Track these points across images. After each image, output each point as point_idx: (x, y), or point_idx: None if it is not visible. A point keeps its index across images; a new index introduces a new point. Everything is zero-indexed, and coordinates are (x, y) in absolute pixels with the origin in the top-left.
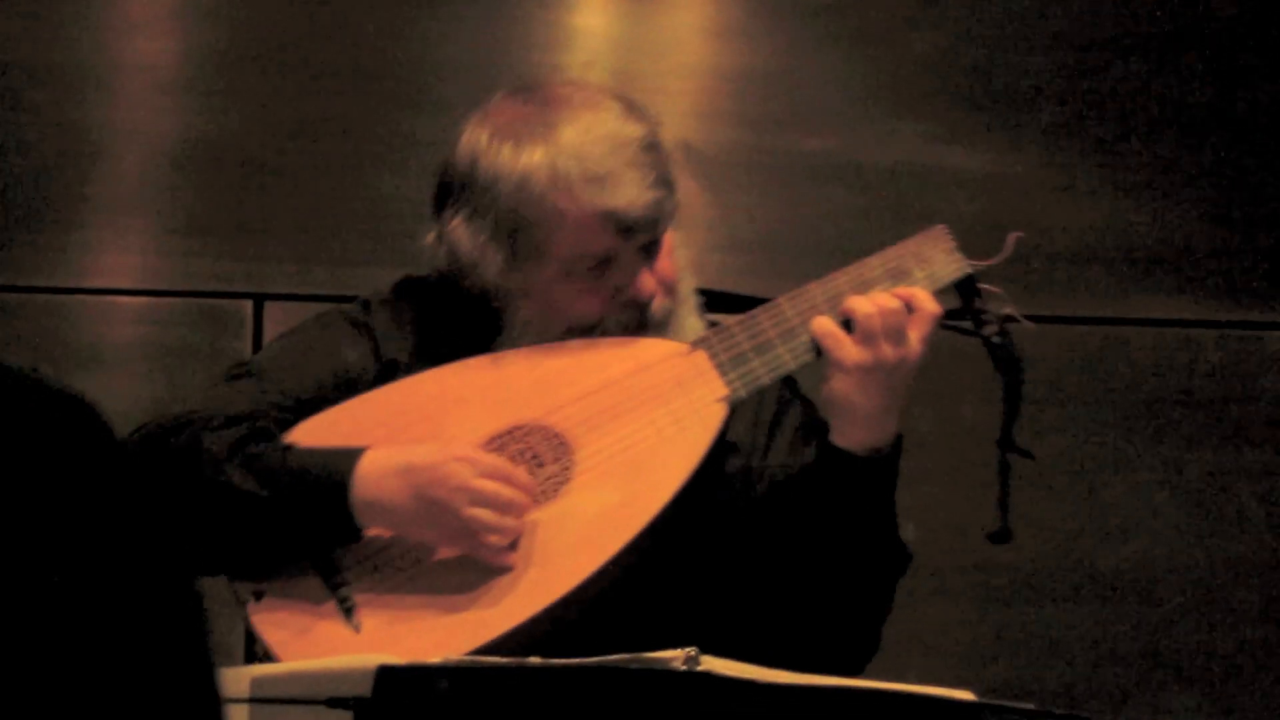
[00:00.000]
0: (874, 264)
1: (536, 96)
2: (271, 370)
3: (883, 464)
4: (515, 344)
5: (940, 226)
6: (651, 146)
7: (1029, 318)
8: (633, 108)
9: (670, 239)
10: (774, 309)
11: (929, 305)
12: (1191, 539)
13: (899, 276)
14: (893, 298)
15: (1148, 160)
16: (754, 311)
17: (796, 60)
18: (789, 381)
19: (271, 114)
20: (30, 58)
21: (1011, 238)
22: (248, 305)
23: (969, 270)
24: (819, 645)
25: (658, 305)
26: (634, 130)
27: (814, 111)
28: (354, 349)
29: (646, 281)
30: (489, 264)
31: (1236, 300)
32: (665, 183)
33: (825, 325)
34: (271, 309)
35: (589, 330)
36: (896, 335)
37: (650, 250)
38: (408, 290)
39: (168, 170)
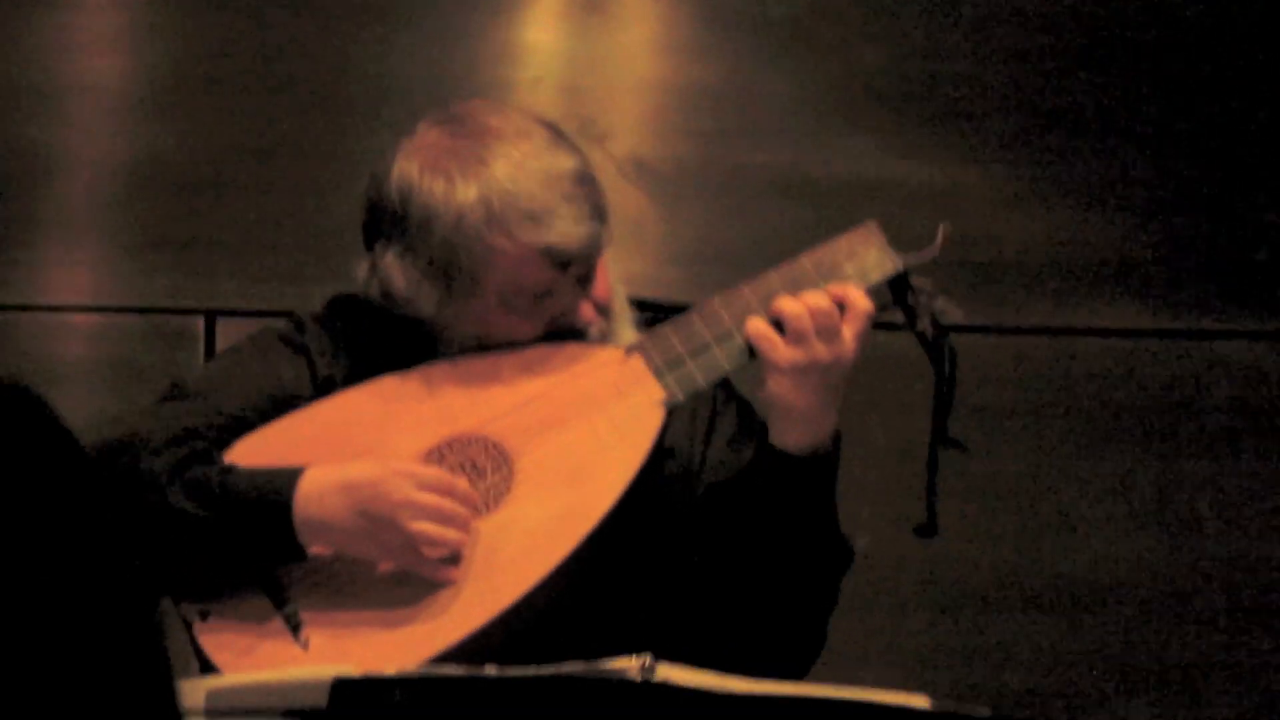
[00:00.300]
0: (805, 263)
1: (465, 128)
2: (208, 390)
3: (822, 462)
4: (459, 338)
5: (871, 222)
6: (584, 178)
7: (979, 328)
8: (561, 136)
9: (604, 260)
10: (707, 311)
11: (861, 303)
12: (1145, 547)
13: (831, 274)
14: (824, 296)
15: (1097, 171)
16: (687, 314)
17: (746, 74)
18: (724, 384)
19: (222, 132)
20: None
21: (941, 230)
22: (199, 321)
23: (900, 266)
24: (766, 644)
25: (595, 330)
26: (566, 162)
27: (764, 125)
28: (290, 368)
29: (585, 310)
30: (424, 300)
31: (1186, 310)
32: (599, 213)
33: (759, 327)
34: (224, 325)
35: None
36: (829, 334)
37: (586, 280)
38: (342, 308)
39: (119, 188)
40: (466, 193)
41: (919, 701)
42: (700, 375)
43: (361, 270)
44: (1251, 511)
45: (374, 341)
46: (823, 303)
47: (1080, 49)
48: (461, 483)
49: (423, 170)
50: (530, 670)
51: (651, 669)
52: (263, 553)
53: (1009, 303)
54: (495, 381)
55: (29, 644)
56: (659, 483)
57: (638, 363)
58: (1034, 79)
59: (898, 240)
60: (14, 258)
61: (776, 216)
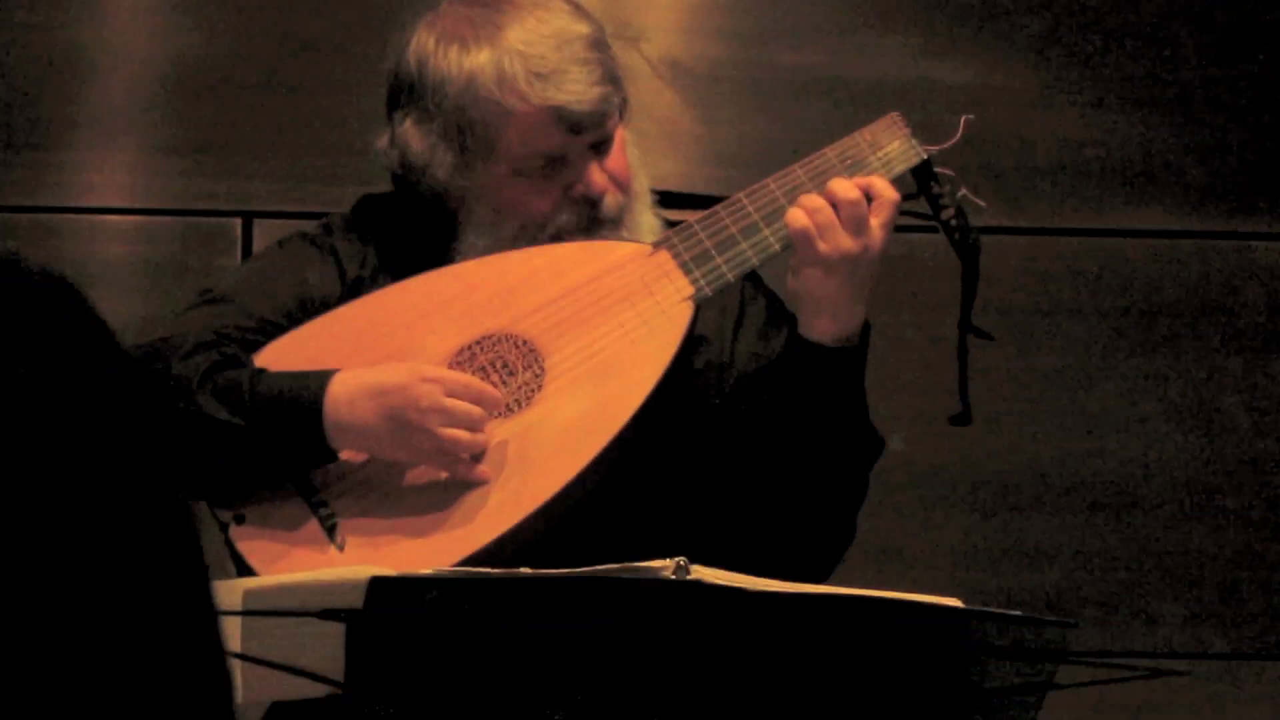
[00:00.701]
0: (830, 155)
1: (483, 1)
2: (238, 295)
3: (851, 354)
4: (471, 246)
5: (894, 114)
6: (597, 43)
7: (1013, 230)
8: (579, 8)
9: (621, 136)
10: (734, 205)
11: (887, 192)
12: (1179, 446)
13: (855, 166)
14: (851, 187)
15: (1131, 73)
16: (714, 209)
17: None
18: (752, 277)
19: (261, 32)
20: None
21: (963, 121)
22: (236, 223)
23: (924, 155)
24: (796, 535)
25: (611, 201)
26: (580, 28)
27: (798, 26)
28: (318, 270)
29: (597, 177)
30: (440, 164)
31: (1220, 210)
32: (612, 79)
33: (800, 218)
34: (261, 226)
35: (541, 228)
36: (857, 224)
37: (600, 148)
38: (367, 208)
39: (157, 89)
40: (479, 55)
41: (952, 603)
42: (727, 269)
43: (382, 141)
44: None
45: (399, 238)
46: (850, 193)
47: None
48: (489, 387)
49: (439, 39)
50: (565, 571)
51: (685, 569)
52: (294, 456)
53: (1041, 204)
54: (523, 279)
55: (65, 544)
56: (689, 374)
57: (665, 258)
58: None
59: (925, 135)
60: (50, 159)
61: (810, 117)
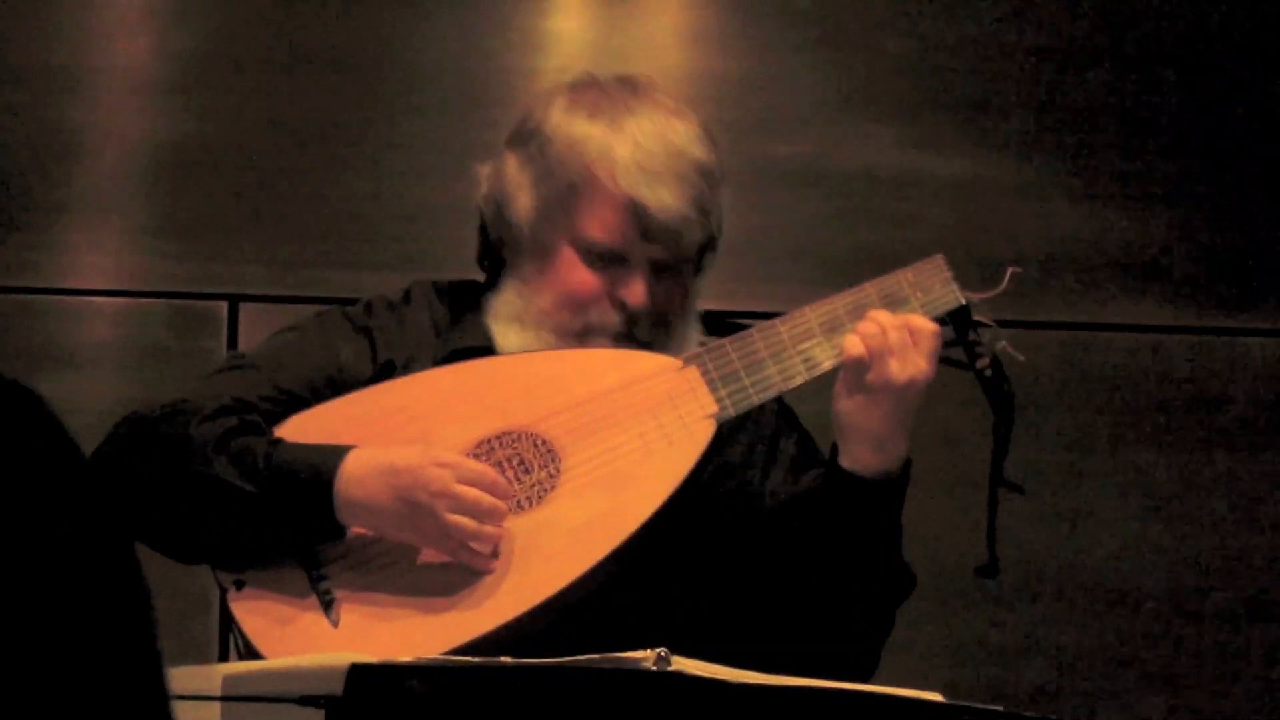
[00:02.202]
0: (870, 290)
1: (630, 85)
2: (267, 364)
3: (891, 486)
4: (508, 307)
5: (938, 257)
6: (707, 175)
7: (1000, 323)
8: (712, 141)
9: (691, 281)
10: (767, 330)
11: (929, 326)
12: (1162, 543)
13: (895, 304)
14: (898, 318)
15: (1120, 167)
16: (748, 331)
17: (769, 65)
18: (786, 413)
19: (248, 115)
20: (7, 58)
21: (1009, 272)
22: (223, 306)
23: (963, 301)
24: (819, 667)
25: (644, 328)
26: (699, 153)
27: (787, 117)
28: (351, 349)
29: (638, 290)
30: (520, 202)
31: (1208, 306)
32: (703, 210)
33: (857, 347)
34: (247, 310)
35: (575, 313)
36: (904, 354)
37: (662, 272)
38: (413, 294)
39: (145, 171)
40: (595, 126)
41: (933, 697)
42: (754, 391)
43: (484, 168)
44: (1271, 508)
45: (441, 331)
46: (898, 322)
47: (1102, 44)
48: (501, 479)
49: (572, 102)
50: (546, 661)
51: (666, 660)
52: (302, 528)
53: (1028, 297)
54: (552, 381)
55: (20, 641)
56: (714, 498)
57: (694, 374)
58: (1056, 74)
59: (931, 238)
60: (39, 240)
61: (800, 208)
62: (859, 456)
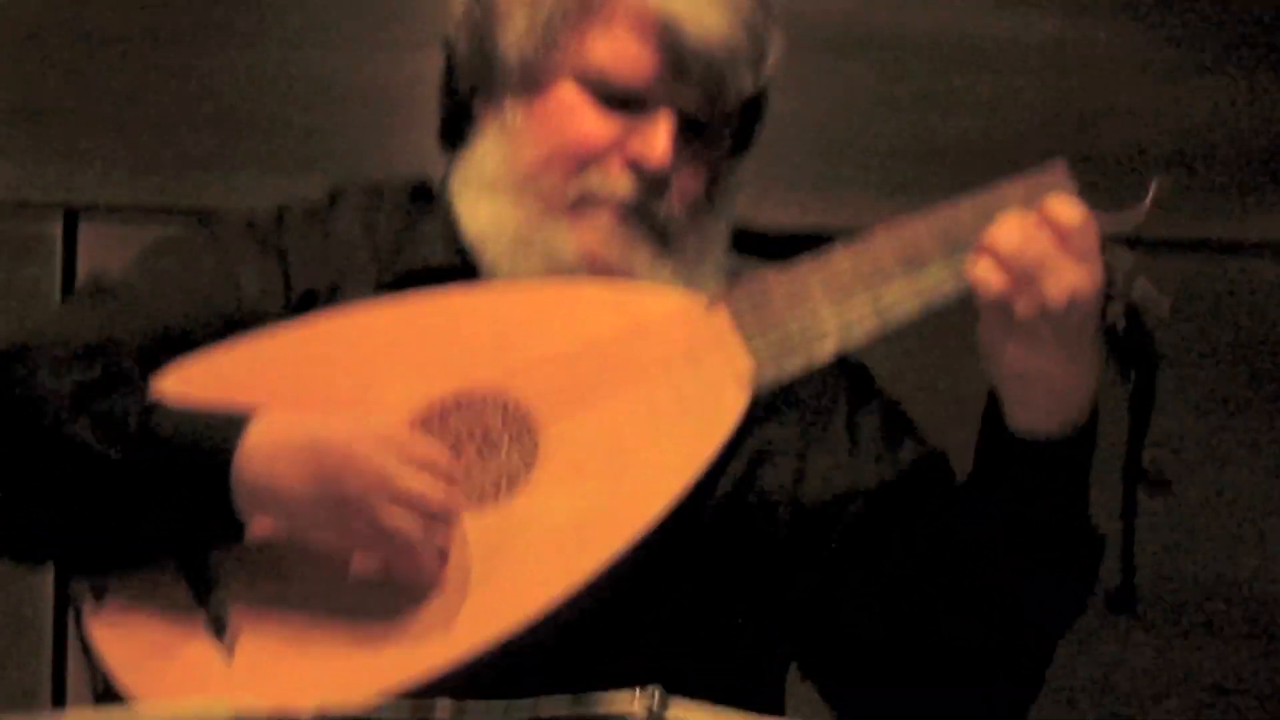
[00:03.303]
0: (964, 212)
1: None
2: (140, 292)
3: (1078, 443)
4: (480, 168)
5: (1057, 163)
6: (761, 4)
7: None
8: None
9: (728, 163)
10: (825, 262)
11: (1077, 217)
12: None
13: None
14: (1028, 215)
15: (1268, 31)
16: (797, 265)
17: None
18: (855, 373)
19: None
20: None
21: (1154, 185)
22: (56, 223)
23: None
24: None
25: (663, 204)
26: None
27: None
28: (256, 274)
29: (658, 141)
30: (511, 21)
31: None
32: (758, 49)
33: (998, 281)
34: (88, 229)
35: (572, 175)
36: (1056, 265)
37: (692, 131)
38: (344, 201)
39: None
40: None
41: None
42: (805, 346)
43: None
44: None
45: (382, 248)
46: (1032, 224)
47: None
48: (459, 463)
49: None
50: (502, 704)
51: (662, 703)
52: (187, 521)
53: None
54: (527, 321)
55: None
56: (748, 494)
57: (722, 318)
58: None
59: (1014, 127)
60: None
61: (841, 86)
62: (1032, 414)
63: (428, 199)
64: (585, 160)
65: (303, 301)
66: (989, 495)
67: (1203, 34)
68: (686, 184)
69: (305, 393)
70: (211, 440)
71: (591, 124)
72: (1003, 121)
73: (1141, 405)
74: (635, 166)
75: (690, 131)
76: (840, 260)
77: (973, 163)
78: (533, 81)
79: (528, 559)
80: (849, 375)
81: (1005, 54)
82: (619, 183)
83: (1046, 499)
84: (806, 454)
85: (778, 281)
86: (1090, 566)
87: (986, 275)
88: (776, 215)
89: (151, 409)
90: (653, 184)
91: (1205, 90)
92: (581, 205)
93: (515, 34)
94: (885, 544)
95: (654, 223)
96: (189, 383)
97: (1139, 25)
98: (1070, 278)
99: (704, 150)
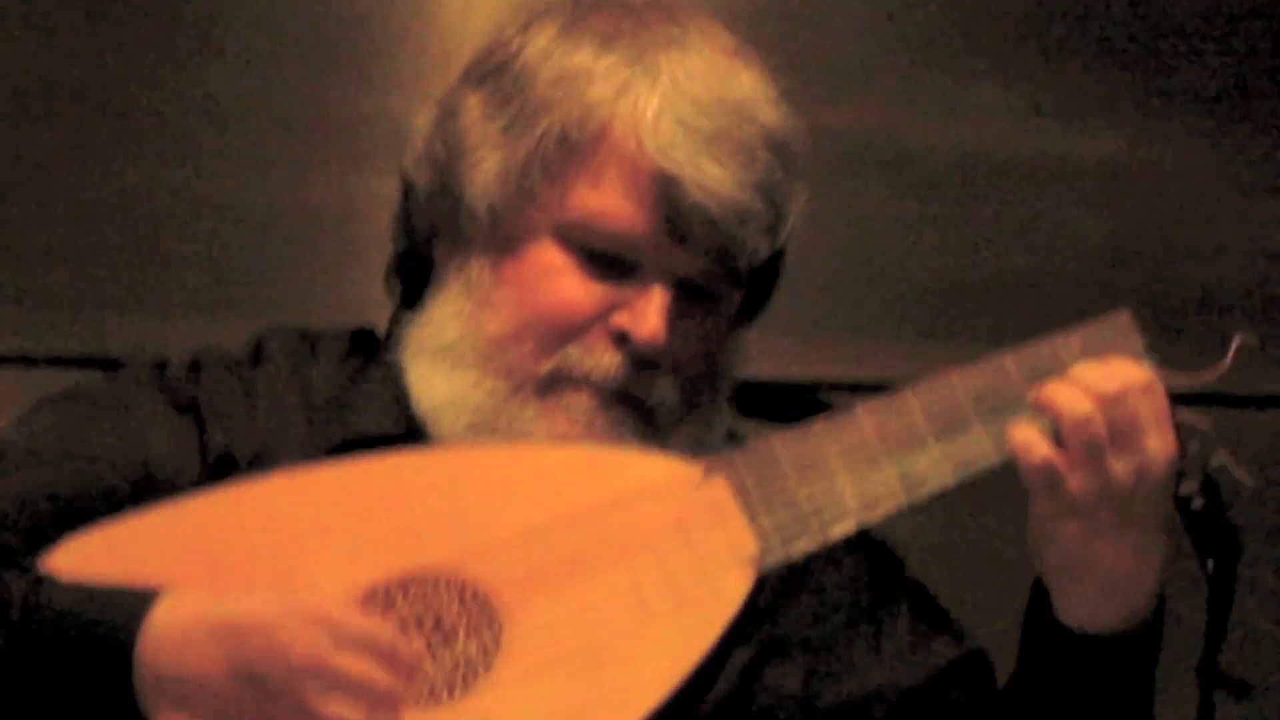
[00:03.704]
0: (1010, 367)
1: (665, 8)
2: (28, 455)
3: (1143, 638)
4: (436, 337)
5: (1122, 313)
6: (784, 151)
7: (1201, 397)
8: (775, 92)
9: (729, 309)
10: (844, 426)
11: (1139, 376)
12: None
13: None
14: (1103, 380)
15: None
16: (811, 423)
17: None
18: (877, 553)
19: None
20: None
21: (1237, 340)
22: None
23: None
24: None
25: (652, 387)
26: (773, 116)
27: (846, 71)
28: (167, 434)
29: (652, 324)
30: (481, 163)
31: None
32: (773, 208)
33: (1041, 448)
34: None
35: (548, 351)
36: (1125, 438)
37: (691, 296)
38: (271, 352)
39: None
40: (607, 59)
41: None
42: (819, 523)
43: (421, 118)
44: None
45: (320, 411)
46: (1110, 385)
47: None
48: (404, 645)
49: (572, 25)
50: None
51: None
52: (79, 716)
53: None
54: (493, 492)
55: None
56: (751, 697)
57: (721, 491)
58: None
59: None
60: None
61: (859, 207)
62: (1087, 607)
63: (370, 353)
64: (564, 333)
65: (220, 466)
66: (1036, 698)
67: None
68: (683, 358)
69: (221, 573)
70: (110, 622)
71: (572, 290)
72: (1054, 255)
73: (1221, 595)
74: (622, 341)
75: (690, 296)
76: (862, 423)
77: (1019, 304)
78: (505, 236)
79: None
80: (871, 556)
81: (1058, 177)
82: (602, 360)
83: (1103, 705)
84: (821, 650)
85: (787, 447)
86: None
87: (1031, 443)
88: (786, 366)
89: (38, 586)
90: (642, 362)
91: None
92: (556, 385)
93: (485, 180)
94: None
95: (642, 408)
96: (85, 559)
97: (1210, 144)
98: (1138, 453)
99: (705, 318)
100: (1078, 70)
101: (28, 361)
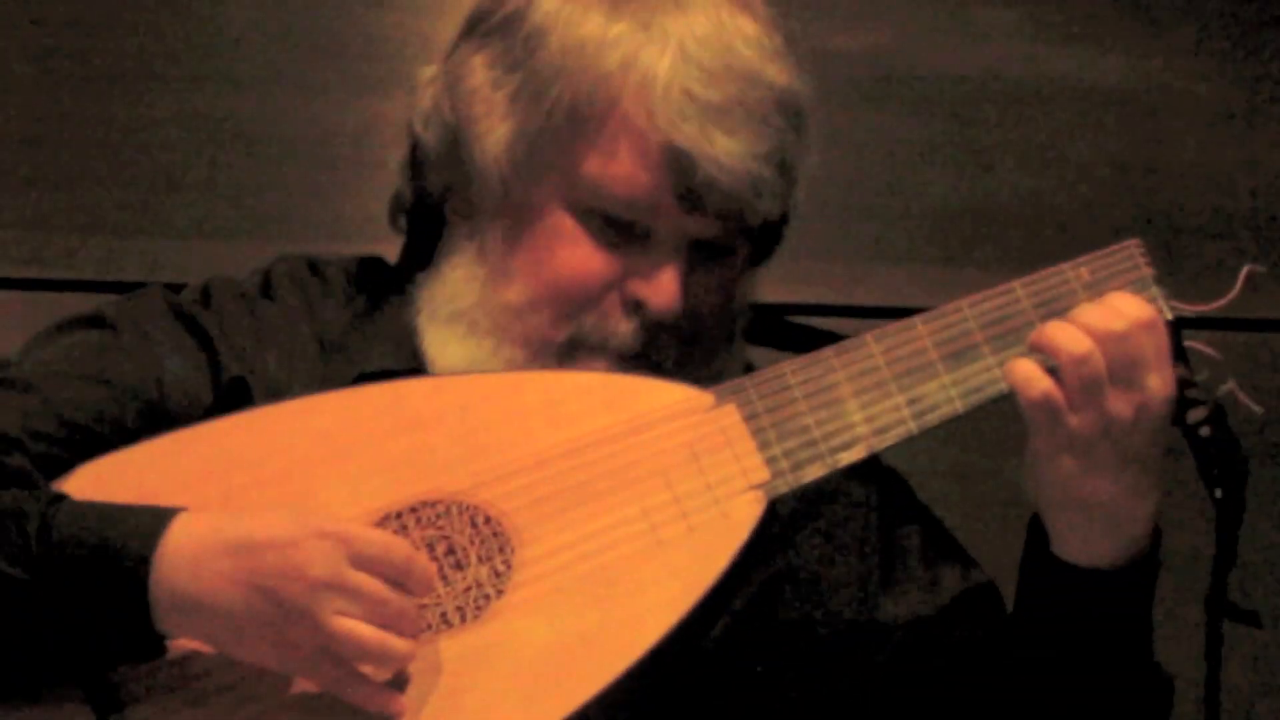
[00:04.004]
0: (1019, 293)
1: None
2: (42, 379)
3: (1140, 572)
4: (450, 302)
5: (1131, 243)
6: (795, 114)
7: (1203, 321)
8: (791, 58)
9: (742, 262)
10: (852, 351)
11: (1145, 311)
12: None
13: (1057, 316)
14: (1113, 316)
15: None
16: (821, 352)
17: None
18: (889, 482)
19: None
20: None
21: (1244, 271)
22: None
23: (1169, 315)
24: None
25: (669, 349)
26: (783, 76)
27: None
28: (180, 360)
29: (665, 284)
30: (490, 130)
31: None
32: (784, 173)
33: (1040, 381)
34: None
35: (565, 319)
36: (1128, 374)
37: (705, 257)
38: (277, 279)
39: None
40: (616, 25)
41: None
42: (829, 451)
43: (424, 74)
44: None
45: (328, 342)
46: (1116, 324)
47: None
48: (422, 562)
49: None
50: None
51: None
52: (96, 635)
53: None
54: (502, 420)
55: None
56: (761, 623)
57: (732, 417)
58: None
59: (1075, 192)
60: None
61: (871, 135)
62: (1085, 542)
63: (379, 286)
64: (580, 302)
65: (231, 393)
66: (1034, 632)
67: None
68: (696, 310)
69: (234, 498)
70: (125, 540)
71: (587, 260)
72: (1063, 179)
73: (1229, 523)
74: (638, 308)
75: (703, 252)
76: (872, 350)
77: (1027, 228)
78: (517, 204)
79: (499, 693)
80: (881, 485)
81: (1068, 100)
82: (619, 327)
83: (1101, 639)
84: (831, 582)
85: (797, 374)
86: (1157, 715)
87: (1031, 378)
88: (797, 292)
89: (53, 507)
90: (658, 327)
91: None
92: (573, 352)
93: (495, 150)
94: (925, 682)
95: (659, 371)
96: (101, 483)
97: (1219, 69)
98: (1139, 390)
99: (719, 270)
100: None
101: (41, 285)
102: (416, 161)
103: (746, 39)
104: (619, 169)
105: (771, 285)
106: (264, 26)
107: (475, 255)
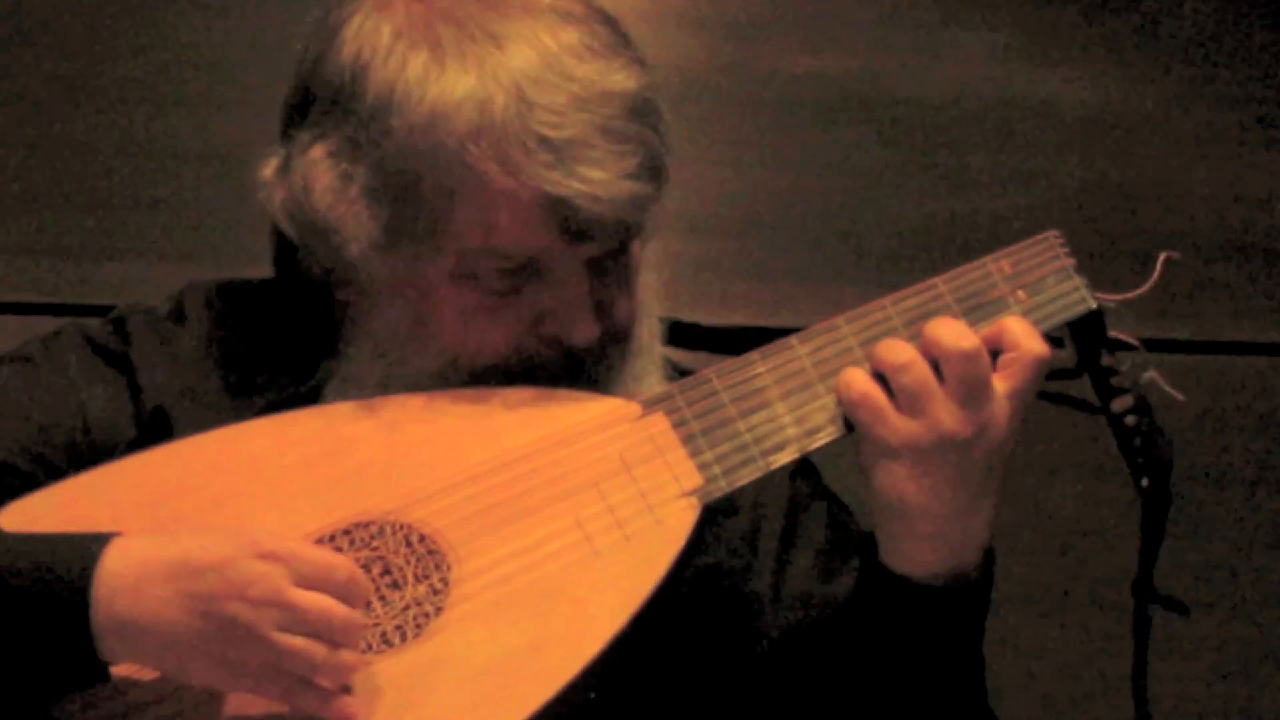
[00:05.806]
0: (941, 289)
1: None
2: None
3: (964, 593)
4: (360, 379)
5: (1050, 234)
6: (642, 110)
7: (1168, 344)
8: (625, 42)
9: (638, 255)
10: (780, 352)
11: (1029, 342)
12: None
13: (982, 309)
14: (964, 333)
15: None
16: (748, 356)
17: None
18: (804, 469)
19: None
20: None
21: (1162, 258)
22: None
23: (1093, 304)
24: None
25: (600, 360)
26: (623, 80)
27: (824, 17)
28: (103, 393)
29: (583, 322)
30: (354, 231)
31: None
32: (652, 168)
33: (858, 382)
34: None
35: (483, 372)
36: (969, 392)
37: (604, 269)
38: (196, 302)
39: None
40: (458, 81)
41: None
42: (760, 454)
43: (266, 169)
44: None
45: (243, 355)
46: (961, 342)
47: None
48: (362, 576)
49: (398, 35)
50: None
51: None
52: (33, 668)
53: (1212, 301)
54: (430, 439)
55: None
56: (694, 617)
57: (661, 426)
58: None
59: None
60: None
61: (839, 155)
62: (910, 550)
63: (289, 305)
64: (495, 363)
65: (154, 421)
66: (862, 645)
67: (1266, 101)
68: (619, 314)
69: (165, 528)
70: (62, 565)
71: (491, 328)
72: (1032, 200)
73: (1155, 512)
74: (555, 343)
75: (602, 261)
76: (797, 353)
77: (996, 249)
78: (407, 281)
79: (445, 710)
80: (794, 472)
81: (1035, 122)
82: (543, 361)
83: (925, 654)
84: (750, 572)
85: (724, 379)
86: None
87: (851, 382)
88: (767, 315)
89: None
90: (581, 352)
91: (1268, 164)
92: (507, 376)
93: (362, 250)
94: (804, 671)
95: (587, 375)
96: (30, 520)
97: (1187, 90)
98: (981, 411)
99: (620, 270)
100: (1056, 15)
101: (8, 309)
102: (283, 244)
103: (577, 53)
104: (501, 234)
105: (742, 308)
106: (237, 50)
107: (381, 334)
